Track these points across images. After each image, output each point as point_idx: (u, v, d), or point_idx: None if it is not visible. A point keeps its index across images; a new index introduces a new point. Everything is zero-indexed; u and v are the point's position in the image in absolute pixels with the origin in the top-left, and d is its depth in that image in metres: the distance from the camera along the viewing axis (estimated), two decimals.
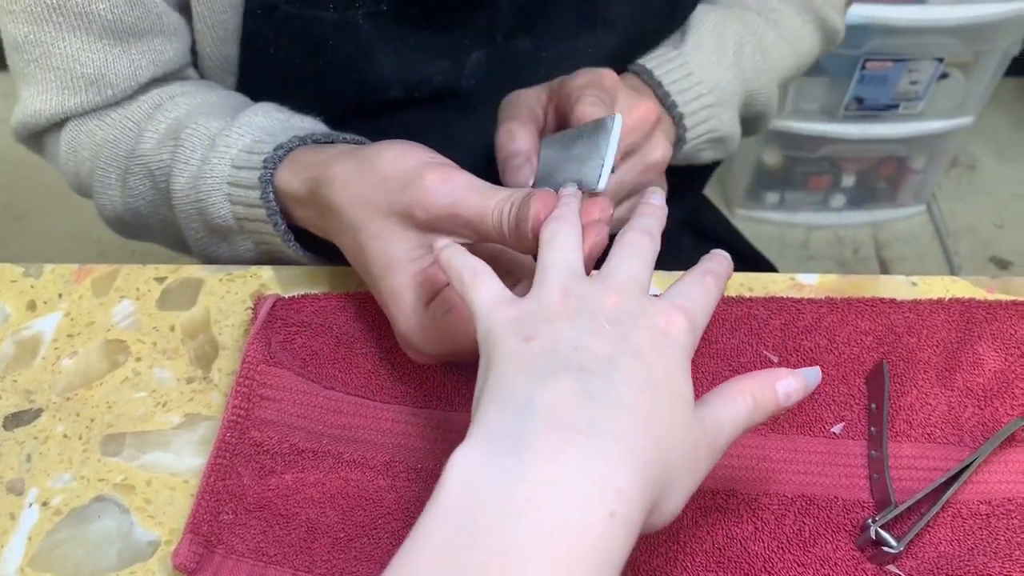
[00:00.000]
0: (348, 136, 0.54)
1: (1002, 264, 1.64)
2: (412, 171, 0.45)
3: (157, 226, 0.61)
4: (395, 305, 0.46)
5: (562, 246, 0.39)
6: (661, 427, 0.34)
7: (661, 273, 0.56)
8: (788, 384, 0.38)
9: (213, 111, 0.57)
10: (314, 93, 0.60)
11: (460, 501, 0.31)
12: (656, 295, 0.39)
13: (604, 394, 0.33)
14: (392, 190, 0.45)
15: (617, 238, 0.41)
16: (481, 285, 0.38)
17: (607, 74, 0.52)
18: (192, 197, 0.54)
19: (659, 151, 0.54)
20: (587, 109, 0.49)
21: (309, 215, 0.51)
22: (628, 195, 0.55)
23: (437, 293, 0.45)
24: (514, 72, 0.61)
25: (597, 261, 0.43)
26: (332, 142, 0.53)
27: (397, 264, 0.45)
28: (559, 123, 0.54)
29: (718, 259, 0.42)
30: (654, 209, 0.43)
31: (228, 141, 0.53)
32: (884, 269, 1.64)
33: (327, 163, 0.48)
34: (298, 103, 0.60)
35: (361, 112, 0.61)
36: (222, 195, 0.53)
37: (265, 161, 0.51)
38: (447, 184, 0.44)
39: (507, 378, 0.34)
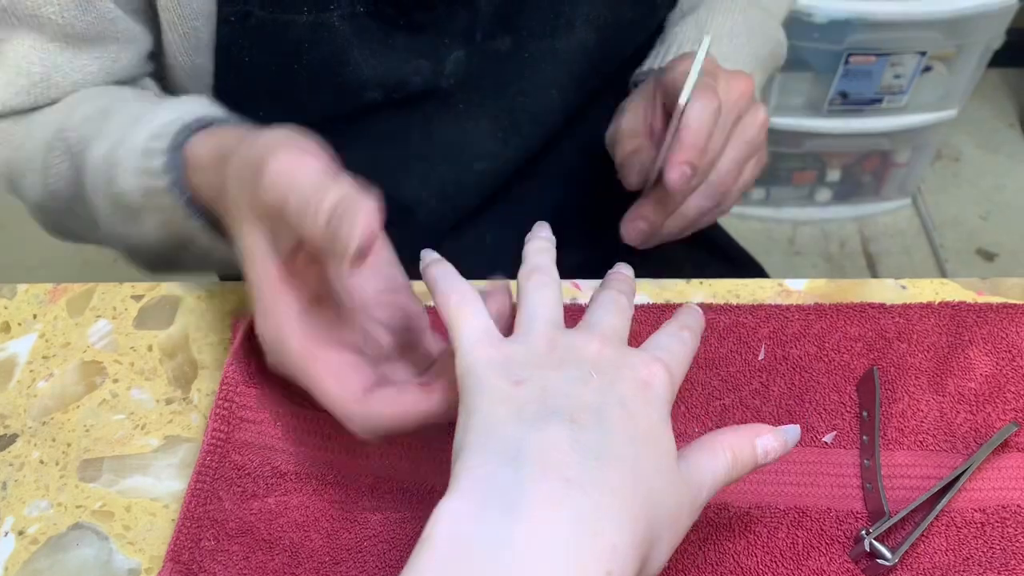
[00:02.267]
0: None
1: (988, 256, 1.64)
2: (267, 149, 0.38)
3: (75, 207, 0.57)
4: (259, 298, 0.40)
5: (546, 300, 0.39)
6: (649, 481, 0.33)
7: (646, 281, 0.55)
8: (767, 441, 0.38)
9: (149, 99, 0.54)
10: (291, 99, 0.59)
11: (448, 558, 0.30)
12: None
13: (595, 445, 0.32)
14: (254, 175, 0.38)
15: (593, 295, 0.42)
16: (469, 317, 0.37)
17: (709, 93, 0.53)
18: (104, 167, 0.50)
19: (761, 113, 0.55)
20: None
21: (210, 189, 0.44)
22: (746, 159, 0.55)
23: (298, 305, 0.40)
24: (494, 71, 0.60)
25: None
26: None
27: (256, 256, 0.39)
28: (666, 118, 0.55)
29: (692, 313, 0.42)
30: (623, 277, 0.43)
31: (151, 117, 0.49)
32: (871, 263, 1.64)
33: (240, 140, 0.42)
34: (275, 110, 0.59)
35: (339, 116, 0.60)
36: (132, 165, 0.48)
37: (181, 128, 0.46)
38: (292, 165, 0.37)
39: (495, 423, 0.33)
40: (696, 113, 0.50)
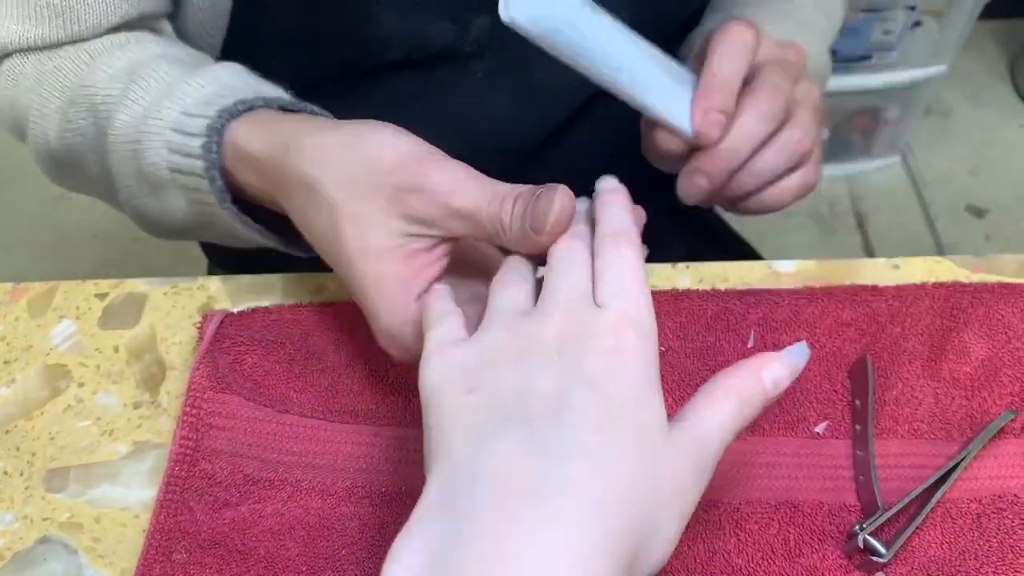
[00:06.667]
0: (316, 108, 0.49)
1: (978, 212, 1.62)
2: (406, 155, 0.40)
3: (91, 167, 0.55)
4: (378, 296, 0.41)
5: (514, 282, 0.37)
6: (626, 464, 0.31)
7: None
8: (774, 371, 0.34)
9: (178, 61, 0.51)
10: (308, 52, 0.56)
11: None
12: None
13: (554, 443, 0.30)
14: (380, 172, 0.40)
15: (550, 251, 0.38)
16: (436, 321, 0.36)
17: (742, 26, 0.48)
18: (131, 136, 0.48)
19: (816, 88, 0.51)
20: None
21: (261, 181, 0.45)
22: (816, 123, 0.51)
23: (428, 286, 0.41)
24: (520, 42, 0.57)
25: None
26: (299, 112, 0.48)
27: (379, 252, 0.40)
28: None
29: (614, 209, 0.39)
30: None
31: (186, 89, 0.48)
32: (860, 223, 1.62)
33: (301, 130, 0.43)
34: (290, 62, 0.55)
35: (354, 73, 0.57)
36: (162, 140, 0.47)
37: (220, 111, 0.45)
38: (443, 171, 0.40)
39: (450, 442, 0.32)
40: (724, 55, 0.47)
